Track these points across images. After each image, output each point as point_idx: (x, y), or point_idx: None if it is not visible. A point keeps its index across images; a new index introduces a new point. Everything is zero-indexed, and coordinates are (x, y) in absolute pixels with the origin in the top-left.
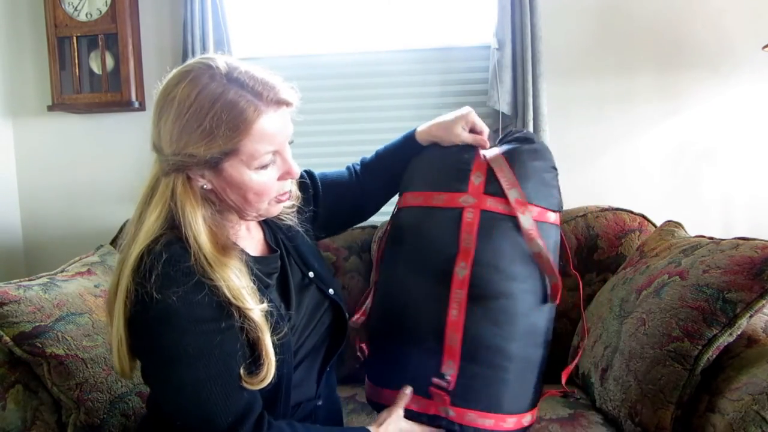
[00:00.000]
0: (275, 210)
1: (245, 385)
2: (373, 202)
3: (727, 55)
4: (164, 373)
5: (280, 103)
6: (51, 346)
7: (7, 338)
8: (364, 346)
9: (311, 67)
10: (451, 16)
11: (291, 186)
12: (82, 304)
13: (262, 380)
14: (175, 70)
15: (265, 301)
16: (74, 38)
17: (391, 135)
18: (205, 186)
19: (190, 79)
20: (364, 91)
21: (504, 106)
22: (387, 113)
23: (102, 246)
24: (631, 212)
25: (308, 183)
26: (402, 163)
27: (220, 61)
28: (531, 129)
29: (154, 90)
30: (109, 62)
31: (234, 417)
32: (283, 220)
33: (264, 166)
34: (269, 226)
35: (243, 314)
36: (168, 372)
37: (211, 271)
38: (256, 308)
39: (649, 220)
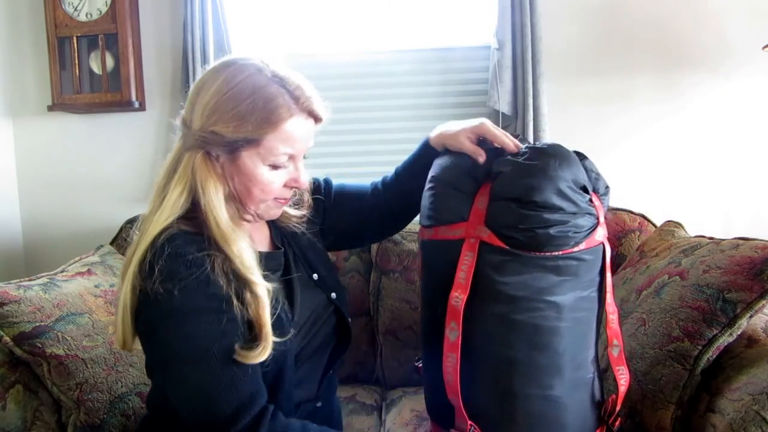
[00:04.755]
0: (274, 212)
1: (238, 358)
2: (394, 222)
3: (727, 55)
4: (166, 365)
5: (312, 114)
6: (51, 346)
7: (7, 338)
8: (419, 365)
9: (311, 68)
10: (451, 16)
11: (306, 195)
12: (82, 304)
13: (257, 356)
14: (224, 58)
15: (267, 284)
16: (74, 38)
17: (391, 135)
18: (217, 170)
19: (240, 65)
20: (364, 91)
21: (504, 106)
22: (387, 113)
23: (102, 246)
24: (631, 212)
25: (321, 187)
26: (421, 176)
27: (269, 63)
28: (531, 129)
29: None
30: (109, 62)
31: (236, 406)
32: (291, 226)
33: (276, 166)
34: (276, 226)
35: (248, 288)
36: (170, 363)
37: (225, 244)
38: (262, 283)
39: (649, 220)
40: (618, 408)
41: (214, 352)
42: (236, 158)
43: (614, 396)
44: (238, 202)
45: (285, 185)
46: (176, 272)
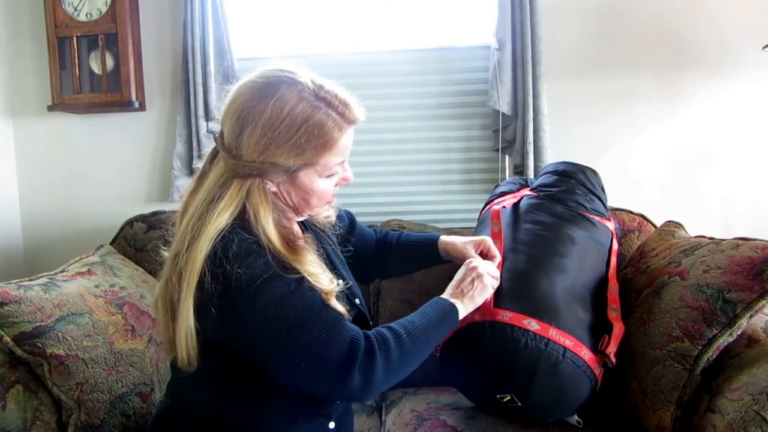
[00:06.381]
0: (324, 210)
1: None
2: (379, 273)
3: (727, 55)
4: (267, 334)
5: (355, 121)
6: (51, 346)
7: (7, 338)
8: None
9: (311, 68)
10: (451, 16)
11: (333, 200)
12: (82, 304)
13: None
14: (256, 80)
15: (335, 281)
16: (74, 38)
17: (391, 135)
18: (272, 189)
19: (280, 94)
20: (364, 91)
21: (504, 106)
22: (387, 113)
23: (102, 246)
24: (631, 212)
25: (345, 219)
26: (412, 265)
27: (306, 78)
28: (531, 129)
29: (223, 94)
30: (109, 62)
31: (349, 341)
32: (323, 229)
33: (331, 175)
34: (308, 228)
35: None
36: (275, 327)
37: (290, 264)
38: (331, 287)
39: (648, 220)
40: (611, 345)
41: (313, 299)
42: (294, 179)
43: (607, 336)
44: (293, 211)
45: (336, 184)
46: (251, 251)
